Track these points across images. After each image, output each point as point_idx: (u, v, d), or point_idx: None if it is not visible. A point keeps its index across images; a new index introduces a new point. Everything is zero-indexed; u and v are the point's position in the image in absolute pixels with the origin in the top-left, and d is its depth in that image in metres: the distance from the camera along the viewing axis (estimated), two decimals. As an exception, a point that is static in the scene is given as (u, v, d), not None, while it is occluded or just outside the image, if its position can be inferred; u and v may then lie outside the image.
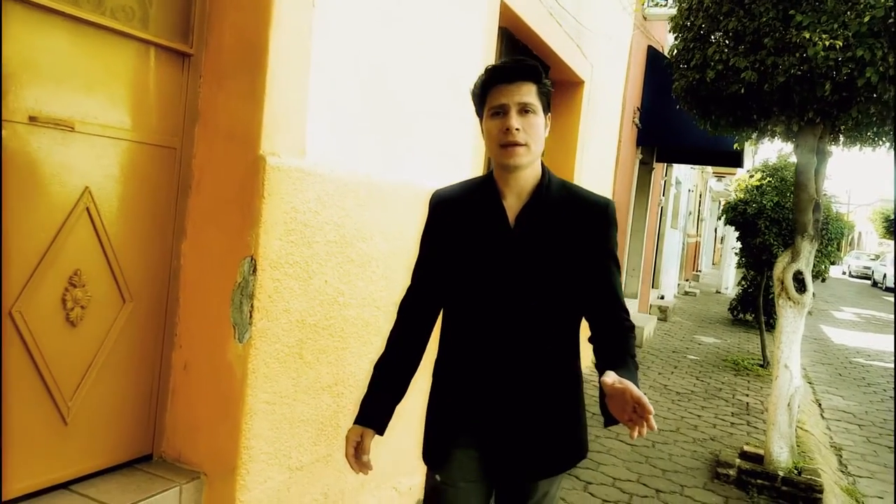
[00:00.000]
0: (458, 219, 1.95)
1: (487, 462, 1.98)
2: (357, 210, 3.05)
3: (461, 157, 4.05)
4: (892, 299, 26.06)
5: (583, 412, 2.03)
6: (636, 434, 1.54)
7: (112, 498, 2.33)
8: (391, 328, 2.10)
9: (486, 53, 4.20)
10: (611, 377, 1.61)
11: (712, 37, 4.41)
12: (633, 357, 1.82)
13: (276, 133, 2.55)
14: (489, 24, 4.22)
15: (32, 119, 2.07)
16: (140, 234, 2.49)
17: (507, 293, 1.87)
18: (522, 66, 1.85)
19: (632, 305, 10.42)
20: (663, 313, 12.86)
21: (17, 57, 2.02)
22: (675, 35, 4.90)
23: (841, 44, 3.82)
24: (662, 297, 14.68)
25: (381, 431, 2.01)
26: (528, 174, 1.89)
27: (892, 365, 11.31)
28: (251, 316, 2.54)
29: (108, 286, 2.39)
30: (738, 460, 5.01)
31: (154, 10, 2.42)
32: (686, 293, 18.67)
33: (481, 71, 1.92)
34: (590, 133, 7.00)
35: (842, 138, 4.81)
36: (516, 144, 1.81)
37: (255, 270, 2.52)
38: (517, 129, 1.80)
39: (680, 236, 18.40)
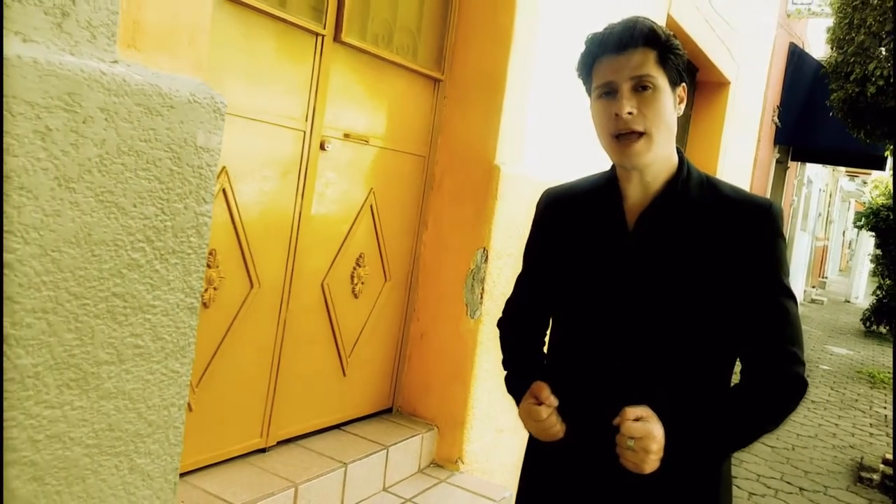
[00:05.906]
0: (568, 223, 1.64)
1: None
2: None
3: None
4: None
5: None
6: None
7: (377, 438, 3.16)
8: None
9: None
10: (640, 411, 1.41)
11: (873, 52, 4.97)
12: (760, 422, 1.47)
13: (504, 145, 3.33)
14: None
15: (346, 136, 2.91)
16: (397, 225, 3.31)
17: (618, 318, 1.52)
18: (632, 29, 1.48)
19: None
20: (790, 321, 13.12)
21: (341, 87, 2.86)
22: (833, 47, 5.47)
23: None
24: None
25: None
26: (657, 167, 1.53)
27: None
28: (482, 297, 3.33)
29: (378, 267, 3.23)
30: (882, 466, 5.53)
31: (421, 44, 3.23)
32: (812, 301, 18.73)
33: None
34: (732, 133, 7.57)
35: None
36: (630, 133, 1.46)
37: (486, 259, 3.31)
38: (629, 113, 1.45)
39: (809, 239, 18.48)
